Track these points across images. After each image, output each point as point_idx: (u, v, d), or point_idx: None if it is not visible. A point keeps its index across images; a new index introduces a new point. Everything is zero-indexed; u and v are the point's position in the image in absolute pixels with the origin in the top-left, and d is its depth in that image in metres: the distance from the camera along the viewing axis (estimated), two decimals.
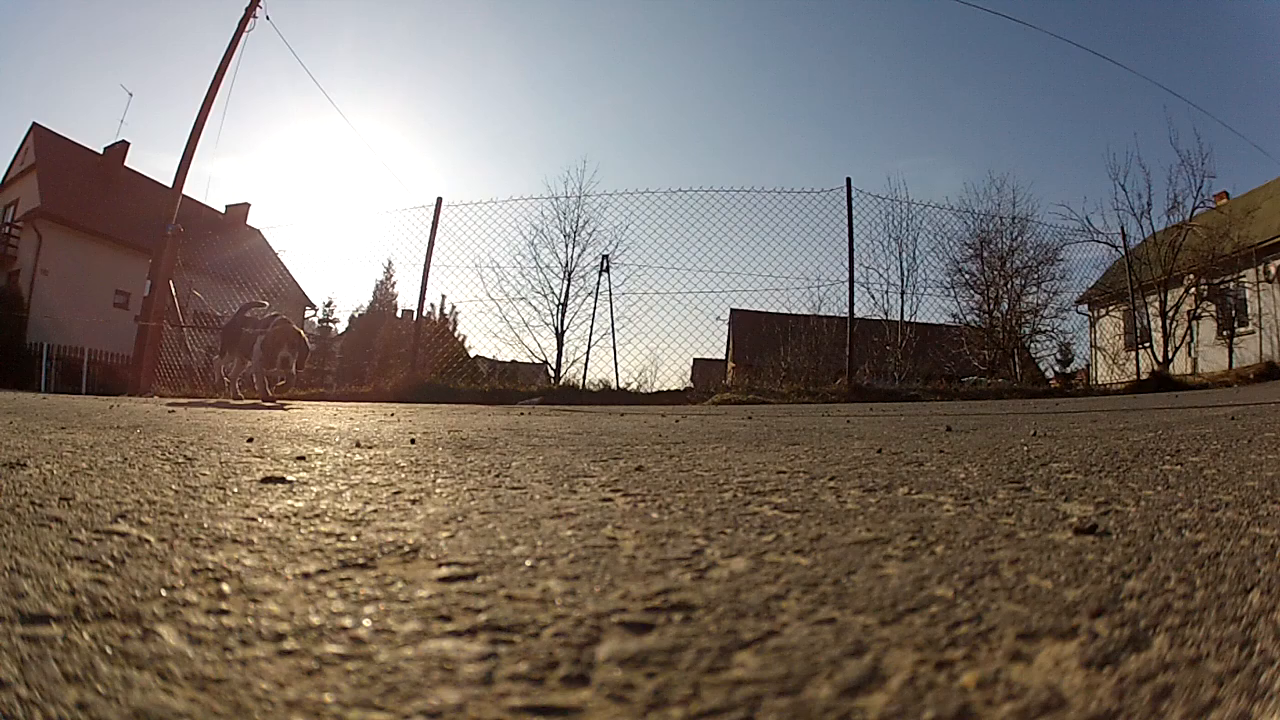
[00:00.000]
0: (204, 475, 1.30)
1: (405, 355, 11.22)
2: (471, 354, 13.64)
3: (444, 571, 0.69)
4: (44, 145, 25.24)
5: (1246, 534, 0.82)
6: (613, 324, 12.02)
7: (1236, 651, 0.50)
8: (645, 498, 1.09)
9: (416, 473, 1.36)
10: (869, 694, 0.44)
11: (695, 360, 13.63)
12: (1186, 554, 0.74)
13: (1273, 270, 17.05)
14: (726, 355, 17.32)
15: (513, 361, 13.86)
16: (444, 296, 13.85)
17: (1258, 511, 0.94)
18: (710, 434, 2.38)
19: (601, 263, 12.13)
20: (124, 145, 27.66)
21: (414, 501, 1.06)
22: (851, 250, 10.15)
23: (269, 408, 4.74)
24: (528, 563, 0.72)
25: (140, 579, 0.67)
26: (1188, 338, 14.25)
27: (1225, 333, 16.47)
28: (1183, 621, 0.55)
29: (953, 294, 15.42)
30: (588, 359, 12.32)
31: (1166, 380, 10.67)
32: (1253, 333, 16.42)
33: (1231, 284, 16.02)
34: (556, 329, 13.19)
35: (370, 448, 1.82)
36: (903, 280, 14.11)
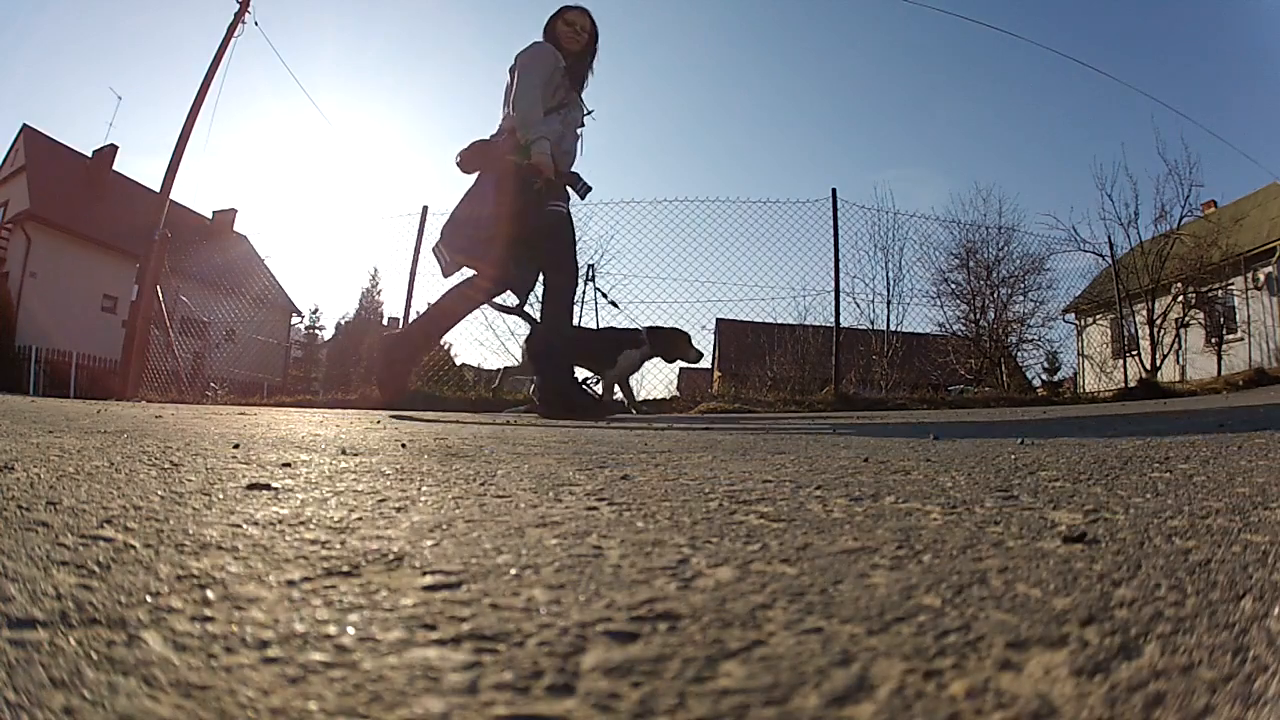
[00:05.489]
0: (189, 481, 1.29)
1: None
2: (458, 362, 13.60)
3: (428, 580, 0.69)
4: (34, 147, 25.15)
5: (1238, 540, 0.82)
6: None
7: (1229, 658, 0.50)
8: (631, 506, 1.09)
9: (402, 480, 1.35)
10: (857, 703, 0.44)
11: (681, 369, 13.65)
12: (1177, 561, 0.74)
13: (1261, 278, 17.17)
14: (712, 364, 17.37)
15: (499, 370, 13.87)
16: (430, 304, 13.79)
17: (1249, 518, 0.94)
18: (696, 443, 2.37)
19: (587, 272, 12.14)
20: (113, 149, 27.60)
21: (399, 509, 1.06)
22: (837, 260, 10.19)
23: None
24: (512, 571, 0.72)
25: (126, 585, 0.66)
26: (1176, 345, 14.33)
27: (1214, 340, 16.58)
28: (1174, 629, 0.55)
29: (939, 303, 15.56)
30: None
31: (1155, 388, 10.73)
32: (1241, 340, 16.54)
33: (1220, 292, 16.12)
34: None
35: (356, 455, 1.81)
36: (889, 290, 14.20)
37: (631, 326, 7.19)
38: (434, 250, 5.24)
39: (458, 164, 5.12)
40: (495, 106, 5.24)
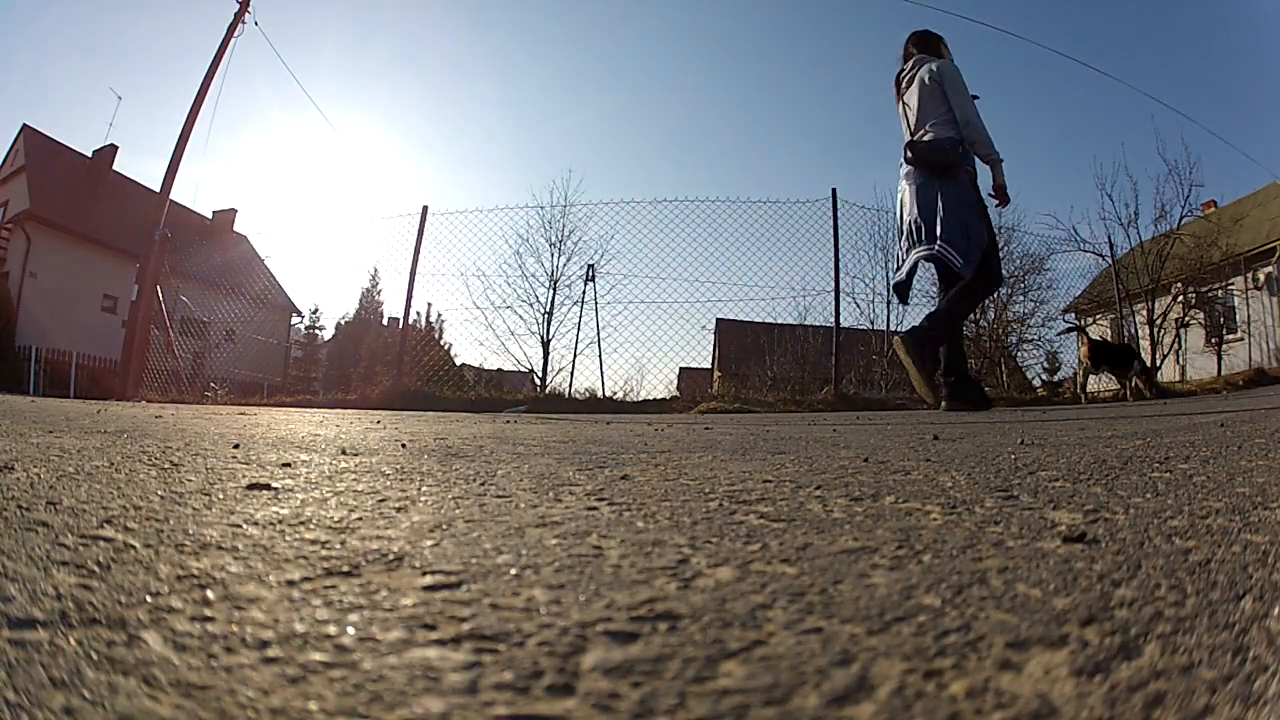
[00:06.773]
0: (189, 481, 1.29)
1: (391, 363, 11.20)
2: (458, 362, 13.61)
3: (428, 580, 0.69)
4: (34, 147, 25.10)
5: (1238, 540, 0.82)
6: (598, 333, 12.07)
7: (1229, 658, 0.50)
8: (631, 507, 1.09)
9: (402, 480, 1.35)
10: (857, 703, 0.44)
11: (681, 369, 13.65)
12: (1177, 561, 0.74)
13: (1261, 278, 17.15)
14: (712, 364, 17.33)
15: (499, 370, 13.90)
16: (430, 304, 13.82)
17: (1249, 518, 0.94)
18: (696, 443, 2.37)
19: (587, 272, 12.16)
20: (113, 149, 27.55)
21: (399, 509, 1.06)
22: (837, 260, 10.19)
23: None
24: (512, 571, 0.72)
25: (126, 585, 0.66)
26: (1176, 345, 14.31)
27: (1214, 340, 16.56)
28: (1174, 629, 0.55)
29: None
30: (574, 368, 12.37)
31: (1155, 388, 10.72)
32: (1241, 340, 16.52)
33: (1220, 292, 16.10)
34: (542, 338, 13.24)
35: (356, 455, 1.82)
36: (889, 290, 14.12)
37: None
38: (939, 253, 5.31)
39: (908, 159, 5.49)
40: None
